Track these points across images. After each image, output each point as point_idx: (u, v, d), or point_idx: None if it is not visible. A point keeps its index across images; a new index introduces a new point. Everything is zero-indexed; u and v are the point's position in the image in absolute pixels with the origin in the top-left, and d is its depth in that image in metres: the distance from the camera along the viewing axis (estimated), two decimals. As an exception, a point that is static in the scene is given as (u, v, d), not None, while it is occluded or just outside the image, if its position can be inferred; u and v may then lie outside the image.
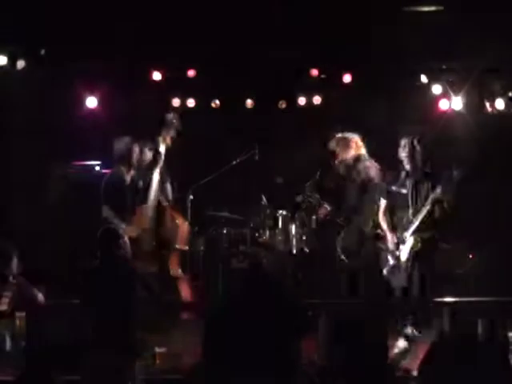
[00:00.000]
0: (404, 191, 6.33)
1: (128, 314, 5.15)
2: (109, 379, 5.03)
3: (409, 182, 6.34)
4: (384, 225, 6.48)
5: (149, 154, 7.04)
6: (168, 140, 6.80)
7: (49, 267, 7.95)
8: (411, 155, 6.30)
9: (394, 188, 6.40)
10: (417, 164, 6.32)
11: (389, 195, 6.46)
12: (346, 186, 7.14)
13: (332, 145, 7.23)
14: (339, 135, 7.24)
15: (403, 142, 6.34)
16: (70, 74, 8.14)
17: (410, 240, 6.23)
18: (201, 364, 2.79)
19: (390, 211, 6.46)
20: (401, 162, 6.42)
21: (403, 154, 6.34)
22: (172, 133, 6.85)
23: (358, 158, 7.11)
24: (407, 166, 6.34)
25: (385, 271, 6.41)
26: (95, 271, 5.49)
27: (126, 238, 5.96)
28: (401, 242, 6.28)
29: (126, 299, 5.18)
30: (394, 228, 6.38)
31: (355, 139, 7.16)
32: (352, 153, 7.13)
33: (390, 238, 6.35)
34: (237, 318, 2.67)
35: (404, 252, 6.27)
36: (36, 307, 6.56)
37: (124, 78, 8.29)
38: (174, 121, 6.89)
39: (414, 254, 6.21)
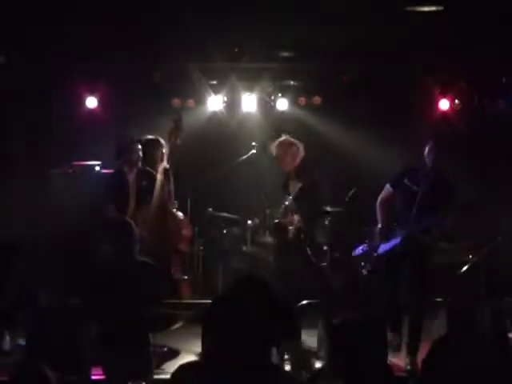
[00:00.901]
0: (415, 188, 6.18)
1: (139, 311, 5.12)
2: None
3: (424, 182, 6.17)
4: (379, 213, 6.39)
5: (155, 153, 6.98)
6: (173, 140, 6.78)
7: (49, 267, 7.95)
8: (439, 156, 6.07)
9: (406, 182, 6.24)
10: (440, 165, 6.13)
11: (399, 187, 6.30)
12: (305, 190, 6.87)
13: (278, 150, 6.75)
14: (285, 139, 6.81)
15: (432, 142, 6.09)
16: (70, 73, 8.15)
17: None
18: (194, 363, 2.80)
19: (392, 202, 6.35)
20: (424, 160, 6.23)
21: (431, 154, 6.08)
22: (178, 134, 6.80)
23: (307, 163, 6.81)
24: (430, 166, 6.10)
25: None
26: (106, 266, 5.43)
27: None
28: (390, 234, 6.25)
29: (138, 295, 5.13)
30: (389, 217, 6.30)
31: (300, 144, 6.78)
32: (299, 158, 6.75)
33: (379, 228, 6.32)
34: (228, 319, 2.69)
35: (387, 245, 6.25)
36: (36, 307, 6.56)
37: (124, 78, 8.30)
38: (180, 122, 6.86)
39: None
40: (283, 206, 6.75)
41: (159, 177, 6.68)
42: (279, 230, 6.65)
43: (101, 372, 5.46)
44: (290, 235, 6.60)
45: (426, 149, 6.12)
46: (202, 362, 2.73)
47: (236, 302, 2.70)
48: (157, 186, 6.67)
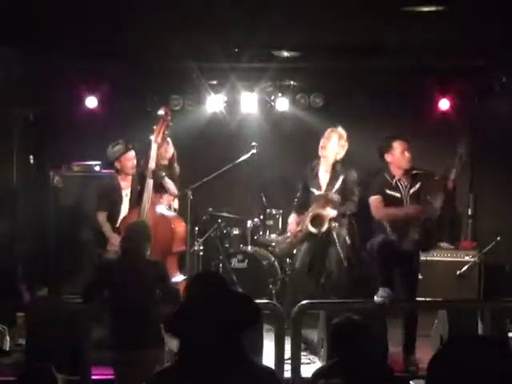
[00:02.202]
0: (398, 195, 6.28)
1: (147, 310, 5.11)
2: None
3: (401, 186, 6.30)
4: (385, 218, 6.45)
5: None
6: (159, 138, 6.71)
7: (50, 267, 7.96)
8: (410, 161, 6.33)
9: (388, 191, 6.34)
10: (410, 169, 6.34)
11: (383, 195, 6.38)
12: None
13: (332, 136, 6.91)
14: (341, 130, 6.98)
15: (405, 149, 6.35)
16: (70, 73, 8.14)
17: None
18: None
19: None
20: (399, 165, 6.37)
21: (405, 156, 6.35)
22: (164, 129, 6.74)
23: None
24: (405, 171, 6.32)
25: None
26: (115, 266, 5.42)
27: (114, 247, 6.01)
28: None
29: (147, 296, 5.14)
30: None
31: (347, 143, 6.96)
32: (342, 154, 6.97)
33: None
34: (195, 316, 2.70)
35: None
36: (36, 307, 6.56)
37: (124, 78, 8.29)
38: (167, 116, 6.80)
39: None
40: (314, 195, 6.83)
41: (148, 179, 6.62)
42: (319, 221, 6.68)
43: (101, 372, 5.47)
44: (325, 229, 6.66)
45: (402, 151, 6.31)
46: (175, 365, 2.73)
47: (202, 301, 2.71)
48: (147, 188, 6.59)
